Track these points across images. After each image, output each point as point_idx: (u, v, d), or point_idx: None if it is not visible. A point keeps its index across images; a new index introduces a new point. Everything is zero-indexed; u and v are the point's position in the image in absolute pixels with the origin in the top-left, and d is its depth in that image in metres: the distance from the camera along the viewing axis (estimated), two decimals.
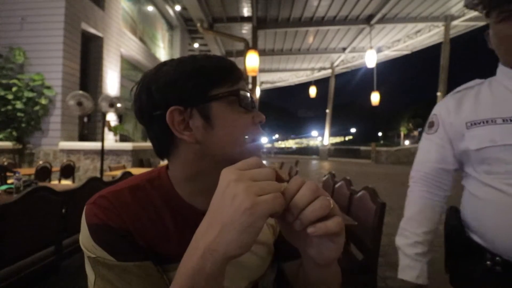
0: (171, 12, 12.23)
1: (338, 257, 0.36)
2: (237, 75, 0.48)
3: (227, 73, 0.46)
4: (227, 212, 0.29)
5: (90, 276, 0.42)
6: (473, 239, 0.79)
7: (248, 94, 0.48)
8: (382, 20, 11.39)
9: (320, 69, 18.67)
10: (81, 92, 4.20)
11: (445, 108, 0.88)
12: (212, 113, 0.44)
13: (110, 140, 7.48)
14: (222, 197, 0.31)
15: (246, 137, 0.46)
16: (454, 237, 0.88)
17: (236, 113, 0.45)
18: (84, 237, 0.42)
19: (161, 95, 0.44)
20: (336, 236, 0.34)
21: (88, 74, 7.58)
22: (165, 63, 0.48)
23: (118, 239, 0.41)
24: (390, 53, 15.78)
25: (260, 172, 0.32)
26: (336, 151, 20.63)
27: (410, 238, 0.91)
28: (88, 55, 7.60)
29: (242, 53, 12.49)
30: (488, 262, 0.73)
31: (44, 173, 4.20)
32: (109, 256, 0.40)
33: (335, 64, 17.57)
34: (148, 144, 9.78)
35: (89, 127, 7.46)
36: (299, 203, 0.32)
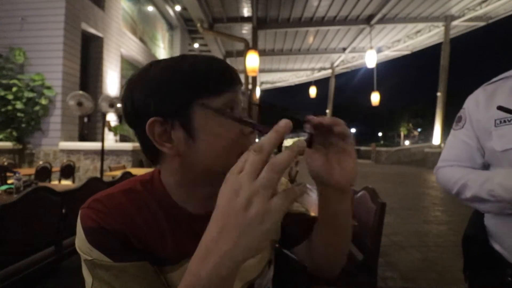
0: (171, 12, 12.23)
1: (355, 177, 0.43)
2: (227, 81, 0.43)
3: (215, 80, 0.42)
4: (241, 219, 0.28)
5: (87, 279, 0.42)
6: (495, 249, 0.72)
7: (240, 103, 0.45)
8: (382, 20, 11.39)
9: (320, 69, 18.67)
10: (81, 92, 4.21)
11: (474, 102, 0.77)
12: (195, 125, 0.41)
13: (110, 140, 7.48)
14: (231, 202, 0.29)
15: (233, 149, 0.42)
16: (474, 244, 0.79)
17: (221, 124, 0.42)
18: (80, 241, 0.42)
19: (143, 104, 0.42)
20: (347, 140, 0.42)
21: (88, 74, 7.58)
22: (149, 66, 0.45)
23: (113, 240, 0.41)
24: (390, 53, 15.78)
25: (260, 165, 0.29)
26: None
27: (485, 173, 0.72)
28: (88, 55, 7.60)
29: (242, 53, 12.49)
30: (510, 278, 0.67)
31: (44, 173, 4.20)
32: (105, 258, 0.40)
33: (335, 64, 17.57)
34: None
35: (89, 127, 7.46)
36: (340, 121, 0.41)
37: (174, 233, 0.46)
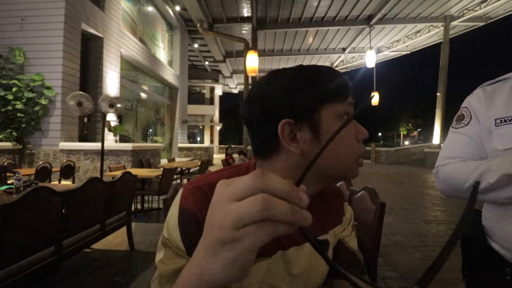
0: (171, 12, 12.22)
1: None
2: (347, 90, 0.48)
3: (339, 88, 0.47)
4: (208, 237, 0.25)
5: (159, 253, 0.45)
6: (494, 249, 0.72)
7: (352, 110, 0.49)
8: (381, 21, 11.42)
9: None
10: (81, 92, 4.20)
11: (477, 100, 0.77)
12: (322, 128, 0.46)
13: (110, 141, 7.48)
14: (211, 214, 0.25)
15: (350, 154, 0.47)
16: (473, 244, 0.78)
17: (344, 129, 0.45)
18: (172, 217, 0.44)
19: (274, 107, 0.46)
20: None
21: (88, 74, 7.58)
22: (277, 73, 0.50)
23: (199, 231, 0.40)
24: (390, 53, 15.80)
25: (244, 190, 0.23)
26: None
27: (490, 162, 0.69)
28: (88, 55, 7.60)
29: (241, 54, 12.50)
30: (509, 278, 0.67)
31: (44, 173, 4.20)
32: (181, 244, 0.42)
33: (335, 64, 17.58)
34: (148, 144, 9.78)
35: (89, 127, 7.46)
36: None
37: None
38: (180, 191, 0.46)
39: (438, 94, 12.22)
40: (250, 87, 0.54)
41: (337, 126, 0.44)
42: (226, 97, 32.96)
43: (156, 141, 11.91)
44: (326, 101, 0.46)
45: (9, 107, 5.54)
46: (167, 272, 0.42)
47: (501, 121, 0.69)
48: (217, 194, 0.25)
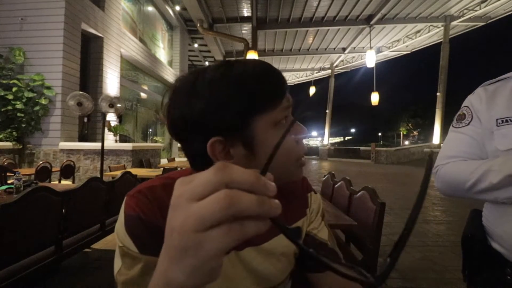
0: (171, 12, 12.22)
1: None
2: (280, 93, 0.43)
3: (270, 95, 0.42)
4: (169, 246, 0.23)
5: (117, 264, 0.43)
6: (495, 249, 0.72)
7: (290, 108, 0.45)
8: (381, 21, 11.41)
9: (320, 69, 18.69)
10: (81, 92, 4.20)
11: (478, 99, 0.76)
12: (255, 141, 0.41)
13: (110, 141, 7.48)
14: (168, 223, 0.23)
15: (290, 159, 0.44)
16: (473, 244, 0.78)
17: (279, 136, 0.42)
18: (119, 225, 0.44)
19: (199, 121, 0.41)
20: None
21: (88, 74, 7.57)
22: (196, 77, 0.43)
23: (146, 232, 0.42)
24: (390, 53, 15.80)
25: (205, 187, 0.21)
26: (336, 151, 20.63)
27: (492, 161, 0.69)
28: (88, 55, 7.59)
29: (242, 53, 12.51)
30: (509, 277, 0.67)
31: (44, 173, 4.20)
32: (134, 247, 0.41)
33: (335, 64, 17.59)
34: (148, 144, 9.78)
35: (89, 127, 7.45)
36: None
37: None
38: (124, 200, 0.45)
39: (438, 94, 12.21)
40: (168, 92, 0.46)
41: (274, 135, 0.42)
42: None
43: (156, 141, 11.91)
44: (257, 113, 0.41)
45: (9, 107, 5.54)
46: (128, 280, 0.40)
47: (502, 121, 0.68)
48: (175, 195, 0.22)
